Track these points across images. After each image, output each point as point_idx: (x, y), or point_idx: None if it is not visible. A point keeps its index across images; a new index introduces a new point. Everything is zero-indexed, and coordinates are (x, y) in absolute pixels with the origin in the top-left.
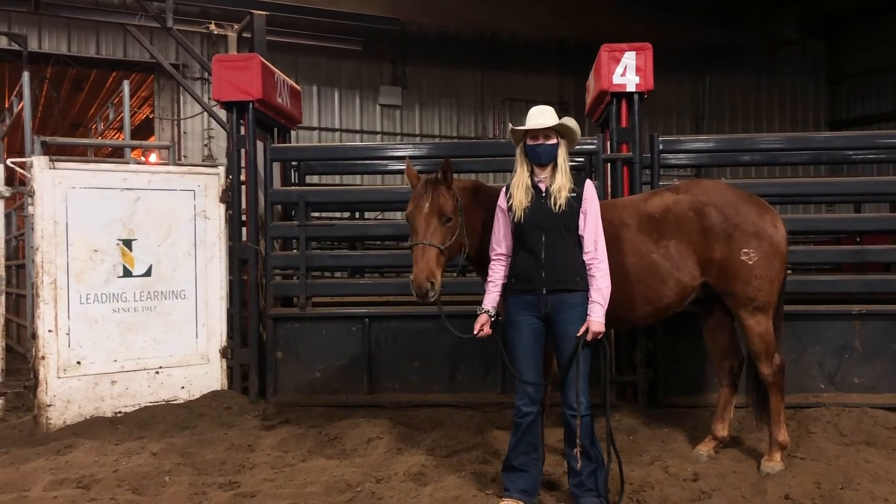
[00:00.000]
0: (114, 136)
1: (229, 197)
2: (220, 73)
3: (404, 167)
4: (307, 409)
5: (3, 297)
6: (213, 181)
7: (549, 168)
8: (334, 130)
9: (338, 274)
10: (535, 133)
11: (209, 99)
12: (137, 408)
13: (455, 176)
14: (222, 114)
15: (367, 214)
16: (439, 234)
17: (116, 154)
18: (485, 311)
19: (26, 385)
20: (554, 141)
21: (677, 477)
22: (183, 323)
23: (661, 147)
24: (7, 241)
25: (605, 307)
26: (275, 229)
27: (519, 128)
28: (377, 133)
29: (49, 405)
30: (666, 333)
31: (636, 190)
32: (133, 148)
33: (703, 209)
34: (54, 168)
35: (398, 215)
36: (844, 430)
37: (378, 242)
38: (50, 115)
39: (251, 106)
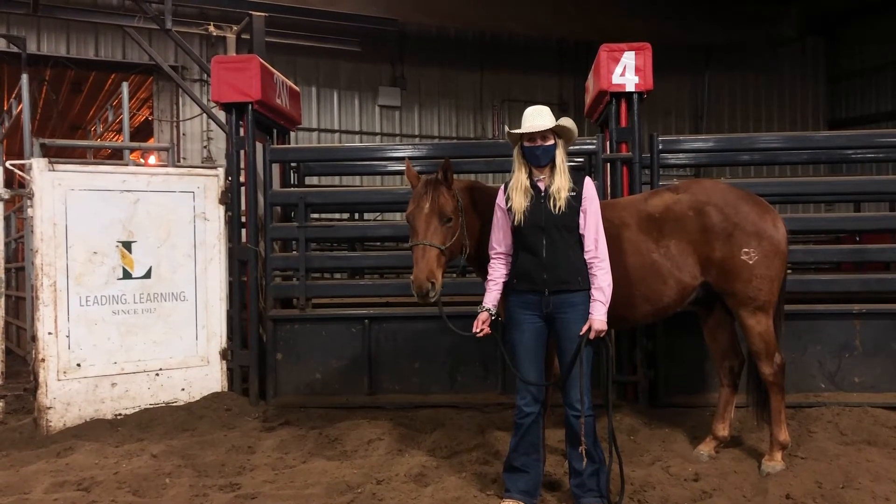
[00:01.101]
0: (113, 137)
1: (229, 198)
2: (219, 75)
3: (404, 168)
4: (307, 411)
5: (3, 300)
6: (212, 183)
7: (547, 168)
8: (333, 132)
9: (337, 275)
10: (532, 135)
11: (208, 100)
12: (137, 410)
13: (455, 176)
14: (221, 115)
15: (366, 215)
16: (440, 235)
17: (116, 156)
18: (485, 310)
19: (26, 388)
20: (551, 142)
21: (678, 477)
22: (183, 325)
23: (660, 147)
24: (6, 244)
25: (607, 306)
26: (274, 230)
27: (515, 131)
28: (376, 134)
29: (49, 408)
30: (666, 333)
31: (636, 190)
32: (132, 150)
33: (704, 208)
34: (53, 170)
35: (398, 216)
36: (845, 429)
37: (378, 243)
38: (49, 118)
39: (250, 107)
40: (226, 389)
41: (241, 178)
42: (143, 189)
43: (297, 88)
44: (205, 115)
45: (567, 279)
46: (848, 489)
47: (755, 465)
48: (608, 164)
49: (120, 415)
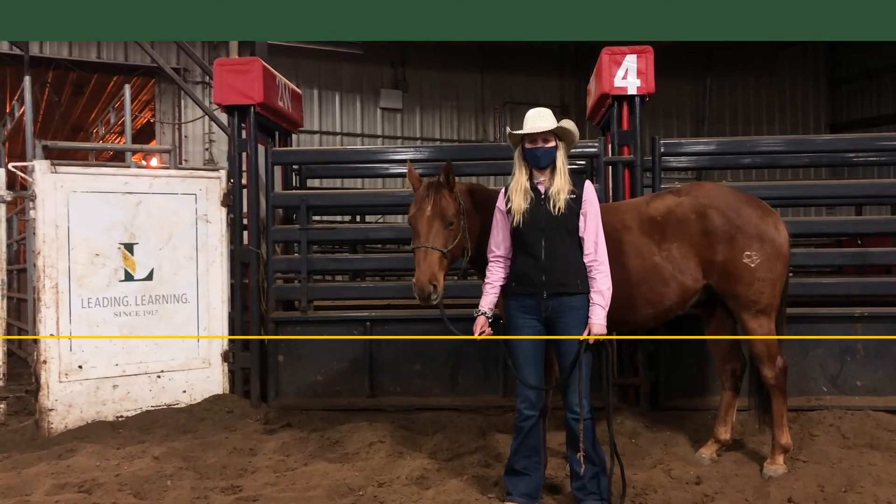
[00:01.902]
0: (115, 140)
1: (231, 200)
2: (221, 77)
3: (405, 170)
4: (309, 413)
5: (5, 302)
6: (214, 185)
7: (547, 171)
8: (335, 134)
9: (339, 277)
10: (533, 136)
11: (210, 103)
12: (139, 412)
13: (456, 179)
14: (223, 117)
15: (368, 218)
16: (441, 237)
17: (118, 158)
18: (482, 314)
19: (28, 389)
20: (552, 144)
21: (680, 480)
22: (184, 327)
23: (662, 150)
24: (8, 246)
25: (607, 309)
26: (276, 233)
27: (516, 132)
28: (378, 136)
29: (51, 409)
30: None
31: (637, 193)
32: (134, 152)
33: (705, 211)
34: (56, 172)
35: (399, 218)
36: (847, 432)
37: (379, 246)
38: (51, 120)
39: (252, 109)
40: (227, 391)
41: (243, 181)
42: (145, 191)
43: (298, 91)
44: (207, 117)
45: (566, 281)
46: (850, 493)
47: (757, 469)
48: (610, 167)
49: (121, 417)
